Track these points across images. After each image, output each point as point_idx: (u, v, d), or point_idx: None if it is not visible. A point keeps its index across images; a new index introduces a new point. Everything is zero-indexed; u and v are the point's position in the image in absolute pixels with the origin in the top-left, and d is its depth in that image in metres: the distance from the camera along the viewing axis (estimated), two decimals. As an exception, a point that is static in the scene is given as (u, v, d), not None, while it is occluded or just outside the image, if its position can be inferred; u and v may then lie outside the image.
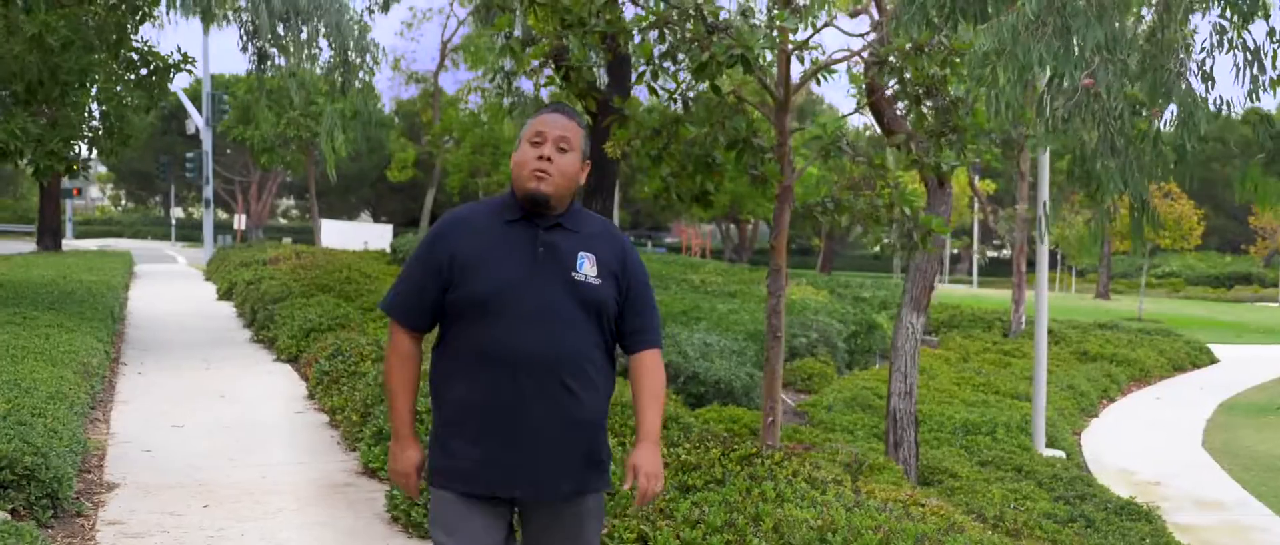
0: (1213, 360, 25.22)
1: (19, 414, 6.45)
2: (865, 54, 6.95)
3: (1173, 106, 5.09)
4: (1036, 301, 14.31)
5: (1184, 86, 4.91)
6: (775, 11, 6.22)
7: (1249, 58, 4.95)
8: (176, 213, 71.38)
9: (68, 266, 20.28)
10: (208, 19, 14.85)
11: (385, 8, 14.89)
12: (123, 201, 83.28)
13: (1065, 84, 4.99)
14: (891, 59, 6.23)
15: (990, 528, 8.30)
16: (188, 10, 14.41)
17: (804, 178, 15.54)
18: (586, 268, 3.28)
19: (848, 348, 17.38)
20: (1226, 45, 4.98)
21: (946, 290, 48.99)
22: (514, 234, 3.29)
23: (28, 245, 35.88)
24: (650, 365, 3.42)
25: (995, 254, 77.73)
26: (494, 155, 30.52)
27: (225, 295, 19.90)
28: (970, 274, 62.55)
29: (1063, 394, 17.73)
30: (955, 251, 71.36)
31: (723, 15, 6.53)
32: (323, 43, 14.57)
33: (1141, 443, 15.88)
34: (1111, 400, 19.75)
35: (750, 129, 6.44)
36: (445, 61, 36.24)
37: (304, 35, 13.15)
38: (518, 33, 7.85)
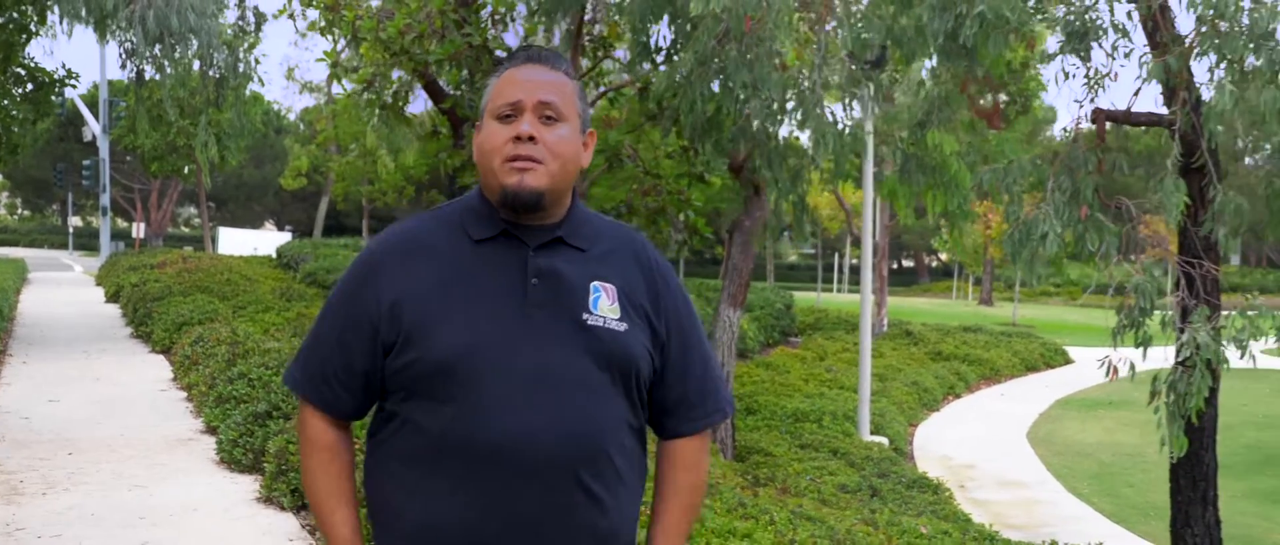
0: (1067, 360, 26.22)
1: (-92, 382, 7.55)
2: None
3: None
4: (862, 299, 15.55)
5: (818, 113, 6.28)
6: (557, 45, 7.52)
7: (873, 95, 6.42)
8: (74, 221, 70.86)
9: (-43, 272, 20.78)
10: (102, 29, 15.63)
11: (257, 28, 15.89)
12: (19, 210, 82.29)
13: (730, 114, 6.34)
14: (651, 86, 7.57)
15: (758, 486, 9.67)
16: (80, 20, 15.21)
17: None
18: (603, 305, 2.14)
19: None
20: (857, 86, 6.42)
21: (831, 298, 50.71)
22: (489, 260, 2.14)
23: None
24: (692, 458, 2.31)
25: (909, 263, 79.82)
26: (373, 163, 31.27)
27: (112, 298, 20.44)
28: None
29: (907, 390, 18.71)
30: (874, 262, 72.66)
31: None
32: (197, 61, 15.48)
33: (970, 432, 17.16)
34: (957, 396, 20.75)
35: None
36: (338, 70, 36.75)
37: (177, 54, 14.04)
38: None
